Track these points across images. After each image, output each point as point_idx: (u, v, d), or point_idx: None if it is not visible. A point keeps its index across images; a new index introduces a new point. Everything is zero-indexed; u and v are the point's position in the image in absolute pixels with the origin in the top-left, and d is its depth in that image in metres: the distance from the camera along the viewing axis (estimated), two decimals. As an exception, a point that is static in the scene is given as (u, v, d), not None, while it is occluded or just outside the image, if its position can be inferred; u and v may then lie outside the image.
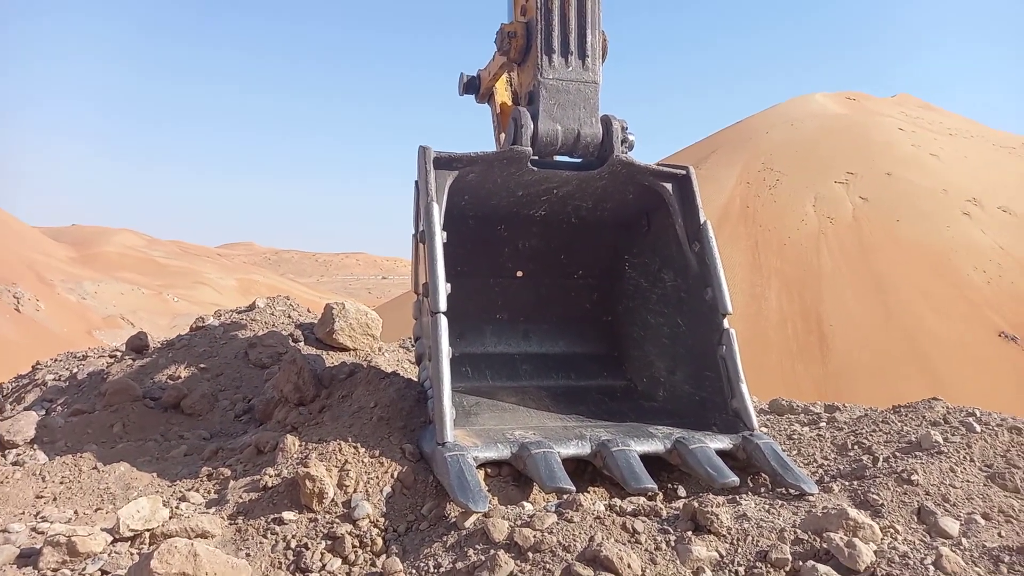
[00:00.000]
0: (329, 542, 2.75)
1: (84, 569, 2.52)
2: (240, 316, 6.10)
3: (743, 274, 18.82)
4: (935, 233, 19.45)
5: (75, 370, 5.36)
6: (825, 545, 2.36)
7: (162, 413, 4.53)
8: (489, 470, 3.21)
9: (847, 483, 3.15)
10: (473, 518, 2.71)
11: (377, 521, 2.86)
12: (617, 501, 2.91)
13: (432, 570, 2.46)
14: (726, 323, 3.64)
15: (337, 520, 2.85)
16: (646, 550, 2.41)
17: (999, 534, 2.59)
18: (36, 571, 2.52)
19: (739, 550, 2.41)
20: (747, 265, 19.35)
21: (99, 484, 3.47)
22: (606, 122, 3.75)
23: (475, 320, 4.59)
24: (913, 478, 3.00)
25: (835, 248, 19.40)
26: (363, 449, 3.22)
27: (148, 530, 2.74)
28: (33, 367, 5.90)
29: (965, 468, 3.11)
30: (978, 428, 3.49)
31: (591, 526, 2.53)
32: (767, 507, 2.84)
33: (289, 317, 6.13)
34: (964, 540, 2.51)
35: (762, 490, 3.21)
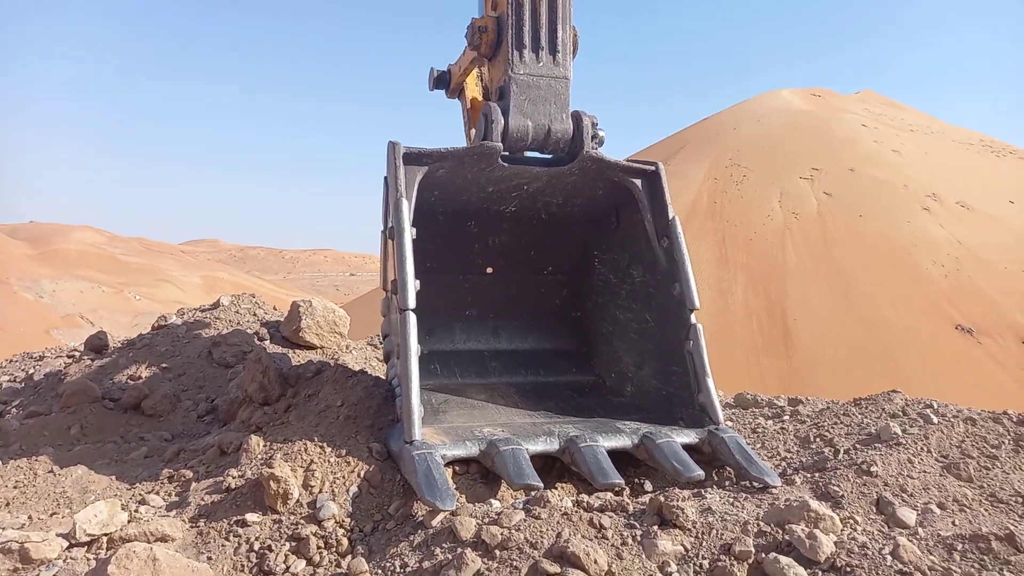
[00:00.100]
0: (294, 544, 2.72)
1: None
2: (204, 314, 5.99)
3: (710, 269, 19.05)
4: (896, 228, 19.91)
5: (31, 371, 5.22)
6: (787, 537, 2.39)
7: (122, 414, 4.43)
8: (457, 468, 3.19)
9: (809, 475, 3.21)
10: (440, 516, 2.70)
11: (343, 521, 2.83)
12: (585, 497, 2.92)
13: (398, 570, 2.44)
14: (693, 318, 3.67)
15: (302, 521, 2.82)
16: (612, 545, 2.42)
17: (953, 523, 2.66)
18: (-12, 579, 2.44)
19: (704, 544, 2.44)
20: (714, 260, 19.60)
21: (55, 488, 3.38)
22: (576, 118, 3.75)
23: (444, 317, 4.57)
24: (872, 469, 3.06)
25: (800, 243, 19.75)
26: (329, 449, 3.18)
27: (106, 535, 2.67)
28: (-13, 368, 5.73)
29: (922, 459, 3.19)
30: (935, 420, 3.58)
31: (558, 522, 2.53)
32: (731, 500, 2.88)
33: (254, 315, 6.04)
34: (920, 530, 2.57)
35: (727, 483, 3.26)
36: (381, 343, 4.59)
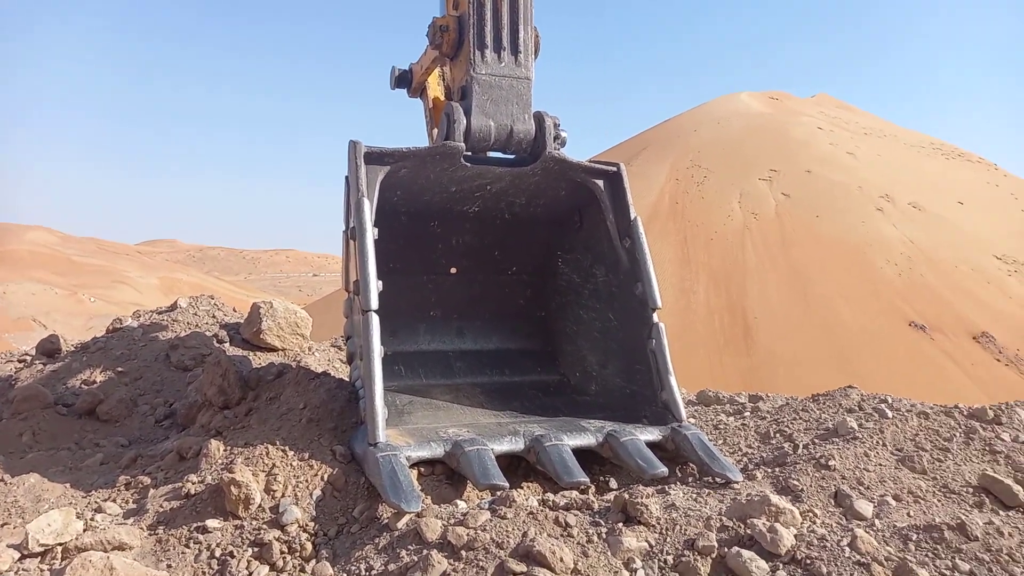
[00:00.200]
0: (256, 549, 2.67)
1: (-12, 589, 2.37)
2: (161, 317, 5.86)
3: (673, 269, 19.31)
4: (850, 228, 20.44)
5: (-21, 377, 5.03)
6: (749, 531, 2.44)
7: (76, 420, 4.31)
8: (422, 469, 3.18)
9: (769, 470, 3.27)
10: (406, 518, 2.68)
11: (307, 525, 2.79)
12: (550, 496, 2.93)
13: (363, 573, 2.42)
14: (655, 317, 3.71)
15: (264, 526, 2.77)
16: (578, 543, 2.43)
17: (908, 514, 2.74)
18: (-67, 594, 2.35)
19: (668, 539, 2.47)
20: (677, 260, 19.87)
21: (6, 497, 3.26)
22: (539, 118, 3.77)
23: (408, 318, 4.54)
24: (830, 463, 3.13)
25: (759, 243, 20.14)
26: (292, 452, 3.13)
27: (60, 544, 2.59)
28: (-69, 374, 5.51)
29: (878, 452, 3.28)
30: (890, 414, 3.68)
31: (524, 522, 2.54)
32: (695, 496, 2.92)
33: (214, 317, 5.93)
34: (877, 521, 2.64)
35: (690, 479, 3.30)
36: (345, 344, 4.55)
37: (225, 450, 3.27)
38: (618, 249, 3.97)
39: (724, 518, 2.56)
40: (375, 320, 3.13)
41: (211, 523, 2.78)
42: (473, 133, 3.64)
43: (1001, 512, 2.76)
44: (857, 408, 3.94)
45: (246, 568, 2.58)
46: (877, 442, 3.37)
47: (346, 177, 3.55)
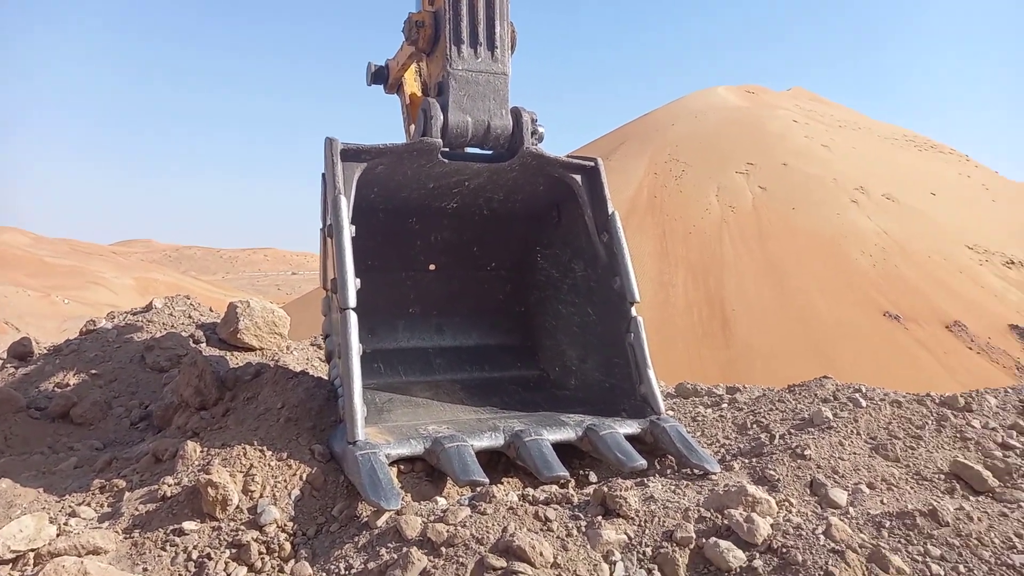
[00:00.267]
0: (234, 550, 2.65)
1: (-41, 597, 2.33)
2: (136, 318, 5.78)
3: (651, 262, 19.42)
4: (826, 220, 20.69)
5: (-52, 381, 4.93)
6: (726, 521, 2.47)
7: (49, 424, 4.24)
8: (402, 467, 3.17)
9: (747, 460, 3.31)
10: (385, 516, 2.67)
11: (285, 526, 2.77)
12: (530, 491, 2.94)
13: (343, 572, 2.41)
14: (634, 311, 3.73)
15: (242, 527, 2.75)
16: (558, 537, 2.44)
17: (882, 501, 2.79)
18: (-98, 603, 2.31)
19: (647, 531, 2.49)
20: (655, 254, 19.98)
21: (-24, 504, 3.20)
22: (516, 114, 3.76)
23: (387, 315, 4.52)
24: (806, 453, 3.18)
25: (736, 236, 20.31)
26: (270, 452, 3.11)
27: (33, 550, 2.55)
28: (-102, 379, 5.38)
29: (852, 441, 3.33)
30: (864, 403, 3.74)
31: (504, 517, 2.54)
32: (673, 488, 2.95)
33: (190, 317, 5.86)
34: (851, 509, 2.68)
35: (669, 472, 3.33)
36: (323, 343, 4.51)
37: (202, 451, 3.24)
38: (596, 244, 3.98)
39: (702, 509, 2.59)
40: (353, 318, 3.11)
41: (188, 525, 2.75)
42: (450, 129, 3.63)
43: (971, 497, 2.82)
44: (832, 398, 3.99)
45: (224, 570, 2.56)
46: (851, 431, 3.42)
47: (323, 174, 3.52)
